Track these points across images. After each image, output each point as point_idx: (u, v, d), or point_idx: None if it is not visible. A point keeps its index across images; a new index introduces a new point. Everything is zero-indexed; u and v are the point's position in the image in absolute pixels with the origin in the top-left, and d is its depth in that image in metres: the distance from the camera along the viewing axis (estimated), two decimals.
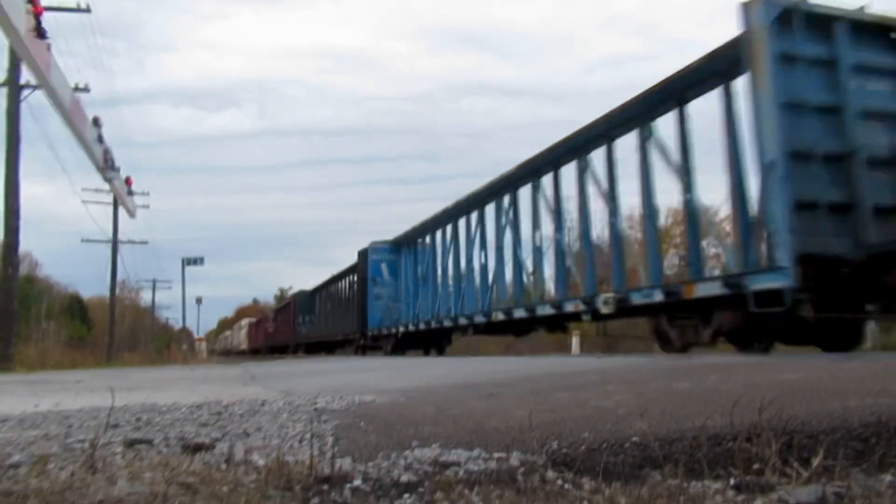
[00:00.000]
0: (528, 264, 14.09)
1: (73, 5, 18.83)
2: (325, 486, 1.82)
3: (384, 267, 22.49)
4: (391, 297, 22.08)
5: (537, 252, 13.53)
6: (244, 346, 57.43)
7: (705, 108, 9.12)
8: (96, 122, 12.57)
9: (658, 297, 9.29)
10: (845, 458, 1.87)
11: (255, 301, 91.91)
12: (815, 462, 1.80)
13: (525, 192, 13.77)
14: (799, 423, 2.16)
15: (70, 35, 47.31)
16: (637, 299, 9.85)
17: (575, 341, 19.57)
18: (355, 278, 25.00)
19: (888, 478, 1.83)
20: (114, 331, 33.49)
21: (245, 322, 63.62)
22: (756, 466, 1.83)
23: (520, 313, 13.27)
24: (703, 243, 10.66)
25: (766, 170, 7.40)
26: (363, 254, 23.48)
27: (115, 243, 33.32)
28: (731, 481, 1.78)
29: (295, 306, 36.45)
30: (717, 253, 13.43)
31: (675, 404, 2.72)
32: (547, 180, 12.91)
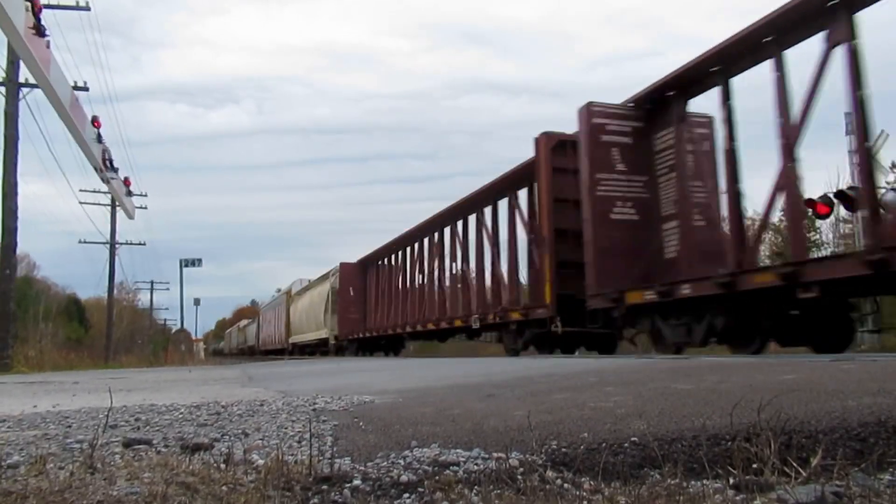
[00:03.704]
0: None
1: (73, 3, 18.83)
2: (325, 486, 1.82)
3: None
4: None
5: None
6: (322, 332, 27.85)
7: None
8: (94, 121, 12.53)
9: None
10: (844, 458, 1.87)
11: (254, 302, 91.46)
12: (814, 462, 1.80)
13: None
14: (798, 423, 2.16)
15: (66, 31, 47.36)
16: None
17: None
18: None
19: (887, 477, 1.83)
20: (111, 332, 33.46)
21: (303, 283, 33.28)
22: (755, 466, 1.84)
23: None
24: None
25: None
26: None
27: (112, 245, 33.32)
28: (731, 481, 1.78)
29: None
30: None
31: (673, 405, 2.72)
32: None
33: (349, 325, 25.65)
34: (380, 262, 24.48)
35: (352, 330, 25.31)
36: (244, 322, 57.41)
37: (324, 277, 29.26)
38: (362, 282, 25.76)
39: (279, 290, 43.36)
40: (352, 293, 26.00)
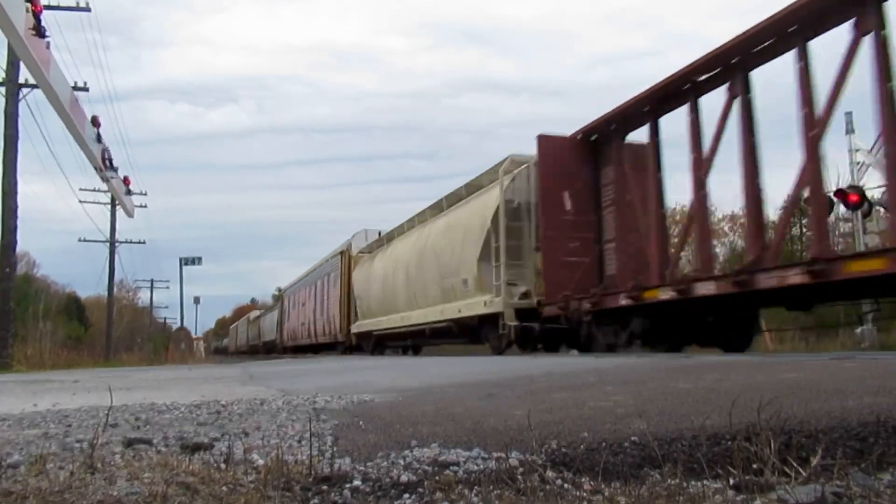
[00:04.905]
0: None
1: (73, 4, 18.85)
2: (325, 486, 1.82)
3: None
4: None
5: None
6: (478, 302, 12.16)
7: None
8: (94, 121, 12.53)
9: None
10: (844, 458, 1.87)
11: (253, 301, 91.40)
12: (814, 461, 1.80)
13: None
14: (798, 423, 2.16)
15: (66, 31, 47.28)
16: None
17: None
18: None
19: (887, 477, 1.83)
20: (111, 331, 33.49)
21: (371, 236, 21.24)
22: (755, 466, 1.83)
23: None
24: None
25: None
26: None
27: (112, 243, 33.34)
28: (731, 481, 1.78)
29: None
30: None
31: (673, 404, 2.72)
32: None
33: (571, 281, 10.92)
34: (645, 128, 10.30)
35: (582, 292, 10.64)
36: (255, 313, 46.89)
37: (473, 187, 14.47)
38: (592, 178, 11.43)
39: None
40: (568, 205, 11.37)
